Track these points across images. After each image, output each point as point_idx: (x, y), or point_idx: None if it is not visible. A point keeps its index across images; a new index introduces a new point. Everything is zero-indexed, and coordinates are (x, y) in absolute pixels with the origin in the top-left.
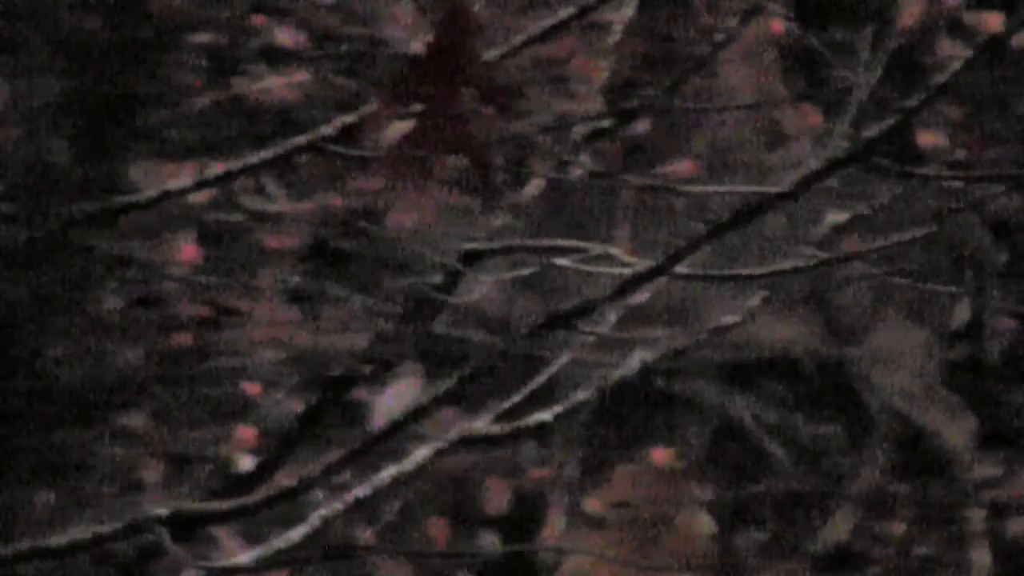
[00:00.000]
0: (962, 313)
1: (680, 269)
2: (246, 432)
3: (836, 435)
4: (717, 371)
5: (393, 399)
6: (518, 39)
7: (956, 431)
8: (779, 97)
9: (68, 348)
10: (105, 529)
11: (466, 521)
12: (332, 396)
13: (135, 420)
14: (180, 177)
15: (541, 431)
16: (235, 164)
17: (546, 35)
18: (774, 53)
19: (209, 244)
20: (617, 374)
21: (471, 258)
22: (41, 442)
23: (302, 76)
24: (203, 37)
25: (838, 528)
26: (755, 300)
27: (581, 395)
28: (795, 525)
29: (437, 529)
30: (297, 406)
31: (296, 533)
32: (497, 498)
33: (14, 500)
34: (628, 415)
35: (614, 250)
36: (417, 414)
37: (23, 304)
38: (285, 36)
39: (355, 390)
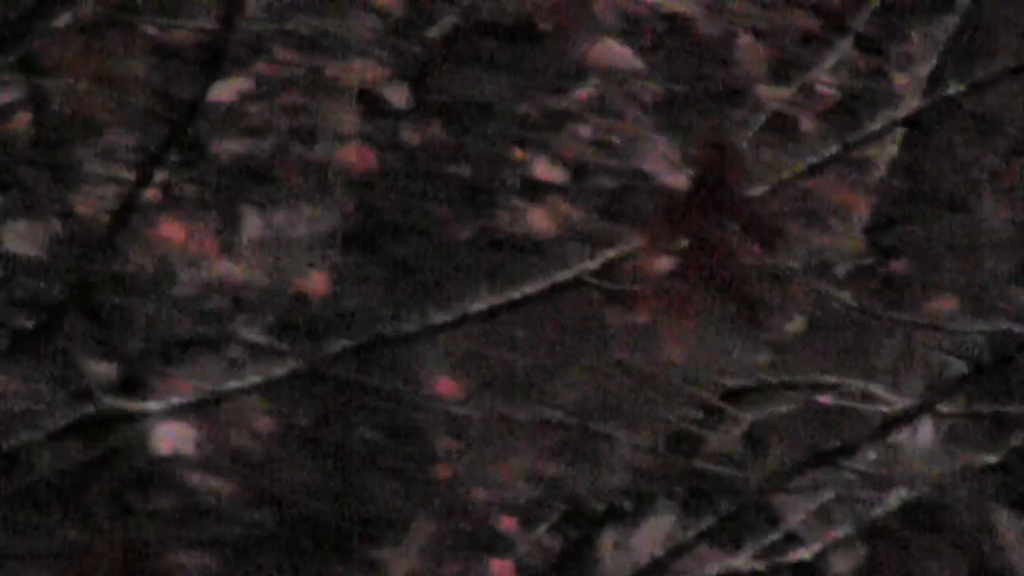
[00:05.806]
0: None
1: (941, 408)
2: (502, 567)
3: None
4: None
5: (651, 536)
6: (782, 174)
7: None
8: None
9: (322, 480)
10: None
11: None
12: (589, 532)
13: (389, 553)
14: (438, 311)
15: (801, 569)
16: (495, 299)
17: (810, 171)
18: None
19: (467, 377)
20: (877, 512)
21: (733, 394)
22: (295, 575)
23: (562, 209)
24: (462, 169)
25: None
26: (1018, 440)
27: (840, 533)
28: None
29: None
30: (553, 542)
31: None
32: None
33: None
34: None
35: (875, 387)
36: (676, 551)
37: (279, 437)
38: (544, 169)
39: (613, 526)
